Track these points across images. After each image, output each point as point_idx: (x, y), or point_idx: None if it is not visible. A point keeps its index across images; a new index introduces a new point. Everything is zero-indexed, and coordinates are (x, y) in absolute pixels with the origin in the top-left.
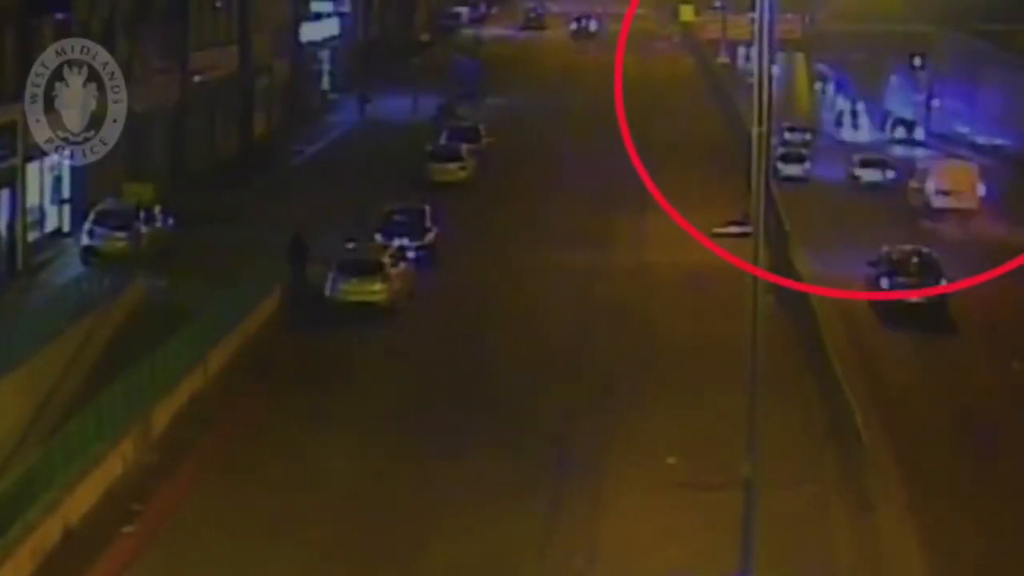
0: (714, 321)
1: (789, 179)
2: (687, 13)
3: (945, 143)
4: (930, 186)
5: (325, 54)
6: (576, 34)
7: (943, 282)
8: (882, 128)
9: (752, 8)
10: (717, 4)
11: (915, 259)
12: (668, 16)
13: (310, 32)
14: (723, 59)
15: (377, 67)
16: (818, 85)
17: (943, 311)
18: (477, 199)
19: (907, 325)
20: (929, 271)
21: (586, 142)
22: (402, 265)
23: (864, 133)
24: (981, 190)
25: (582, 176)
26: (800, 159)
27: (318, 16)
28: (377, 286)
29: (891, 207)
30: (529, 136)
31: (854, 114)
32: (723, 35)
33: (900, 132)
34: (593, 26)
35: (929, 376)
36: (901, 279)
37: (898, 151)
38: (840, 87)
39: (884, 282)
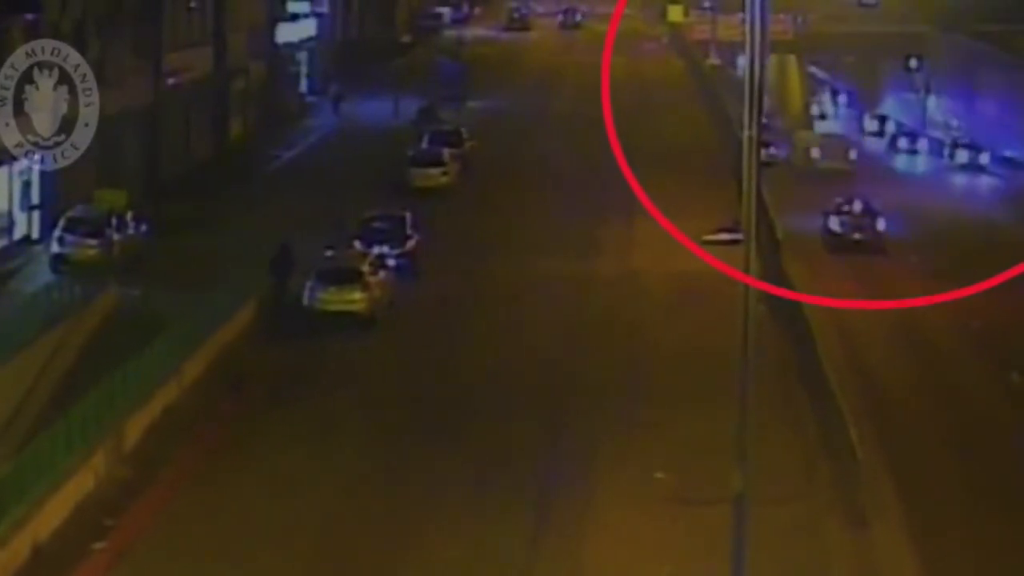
0: (704, 331)
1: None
2: (676, 13)
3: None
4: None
5: (303, 56)
6: (564, 25)
7: (879, 223)
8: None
9: (742, 8)
10: (706, 4)
11: (856, 204)
12: (656, 16)
13: (287, 33)
14: (713, 60)
15: (356, 69)
16: (820, 95)
17: (878, 244)
18: (459, 205)
19: (849, 252)
20: (867, 215)
21: (572, 146)
22: (382, 273)
23: (922, 160)
24: (853, 155)
25: (568, 181)
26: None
27: (295, 16)
28: (356, 295)
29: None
30: (513, 140)
31: (911, 137)
32: (713, 36)
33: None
34: (579, 17)
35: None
36: (846, 220)
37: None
38: (845, 97)
39: (834, 222)
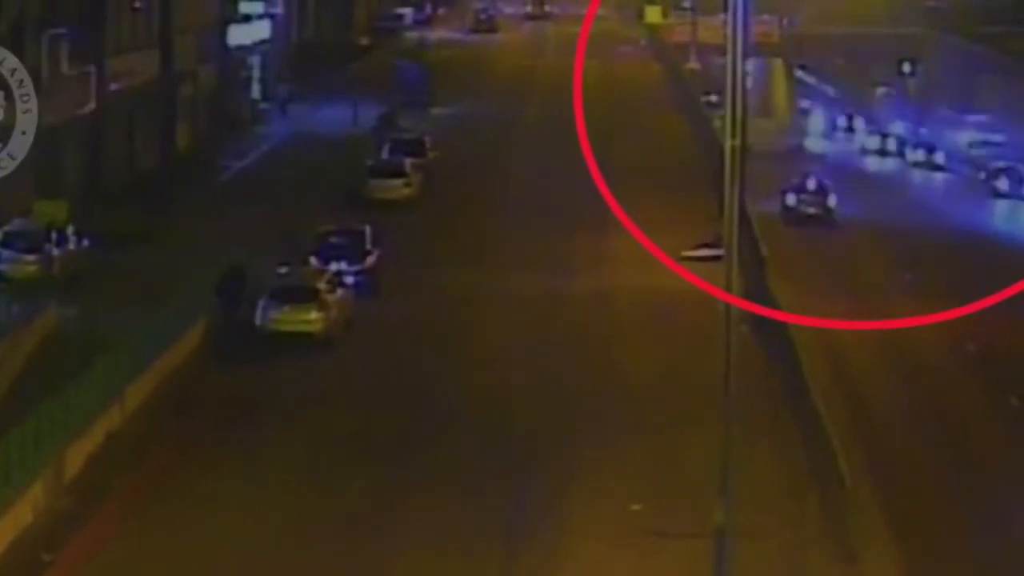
0: (683, 353)
1: None
2: (653, 14)
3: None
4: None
5: (255, 59)
6: (531, 16)
7: (830, 199)
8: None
9: (724, 9)
10: (686, 4)
11: (810, 182)
12: (633, 17)
13: (239, 35)
14: (693, 65)
15: (312, 73)
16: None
17: (829, 218)
18: (422, 219)
19: (804, 226)
20: (820, 192)
21: (543, 156)
22: (340, 292)
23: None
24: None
25: (538, 193)
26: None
27: (247, 18)
28: (312, 315)
29: None
30: (480, 149)
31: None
32: (693, 39)
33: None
34: (547, 8)
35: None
36: (803, 196)
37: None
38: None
39: (791, 198)
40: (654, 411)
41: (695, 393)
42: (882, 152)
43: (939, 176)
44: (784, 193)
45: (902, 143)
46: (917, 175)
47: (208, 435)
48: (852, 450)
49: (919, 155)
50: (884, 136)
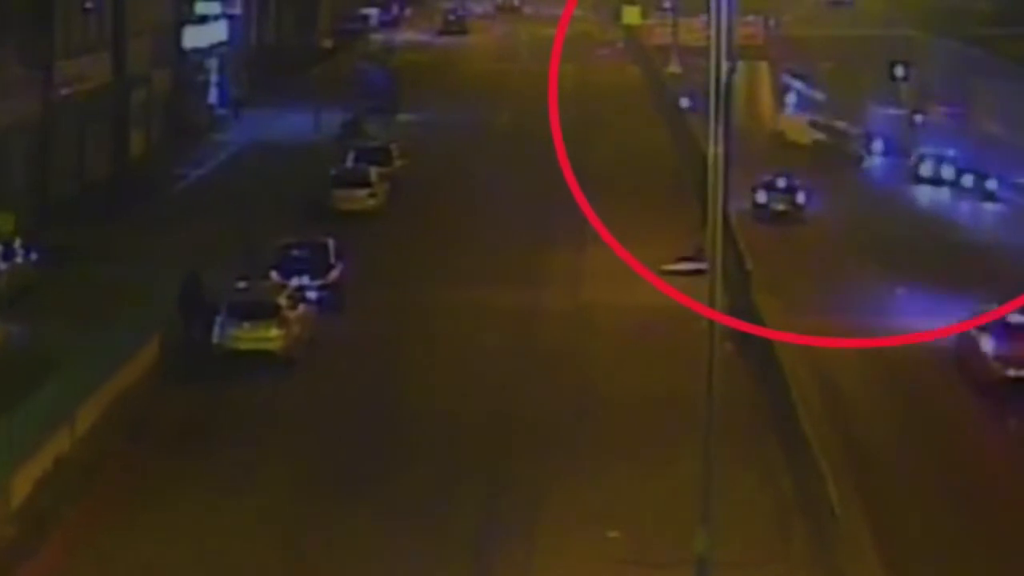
0: (664, 372)
1: None
2: (632, 15)
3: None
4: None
5: (212, 63)
6: (501, 8)
7: (799, 197)
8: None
9: (707, 10)
10: (667, 5)
11: (780, 180)
12: (610, 18)
13: (195, 37)
14: (674, 68)
15: (272, 77)
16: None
17: (798, 214)
18: (389, 231)
19: (775, 223)
20: (789, 189)
21: (516, 164)
22: (301, 308)
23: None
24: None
25: (512, 204)
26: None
27: (204, 19)
28: (272, 332)
29: None
30: (450, 158)
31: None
32: (674, 41)
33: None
34: (517, 2)
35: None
36: (772, 192)
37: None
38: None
39: (761, 195)
40: (632, 434)
41: (676, 415)
42: (935, 180)
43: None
44: (754, 190)
45: (959, 169)
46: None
47: (162, 460)
48: (841, 475)
49: (966, 181)
50: (939, 160)
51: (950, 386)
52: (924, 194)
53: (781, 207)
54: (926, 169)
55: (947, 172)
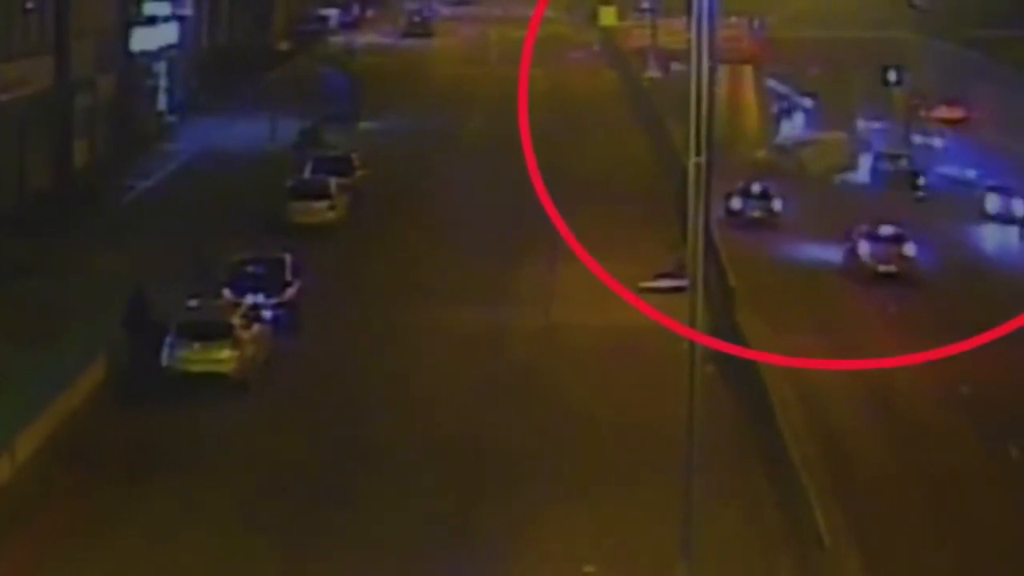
0: (642, 397)
1: None
2: (608, 16)
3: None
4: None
5: (161, 67)
6: (458, 1)
7: (774, 203)
8: None
9: (688, 11)
10: (645, 5)
11: (755, 186)
12: (585, 20)
13: (143, 39)
14: (652, 73)
15: (225, 82)
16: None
17: (773, 219)
18: (349, 246)
19: (749, 229)
20: (764, 195)
21: (485, 175)
22: (256, 327)
23: None
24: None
25: (479, 217)
26: None
27: (152, 20)
28: (225, 353)
29: None
30: (414, 168)
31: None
32: (652, 44)
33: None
34: None
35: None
36: (749, 200)
37: None
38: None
39: (736, 202)
40: (609, 462)
41: (655, 442)
42: (1007, 217)
43: None
44: (728, 197)
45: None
46: None
47: (108, 490)
48: (830, 506)
49: (995, 204)
50: (1008, 194)
51: (943, 405)
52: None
53: (757, 214)
54: (993, 204)
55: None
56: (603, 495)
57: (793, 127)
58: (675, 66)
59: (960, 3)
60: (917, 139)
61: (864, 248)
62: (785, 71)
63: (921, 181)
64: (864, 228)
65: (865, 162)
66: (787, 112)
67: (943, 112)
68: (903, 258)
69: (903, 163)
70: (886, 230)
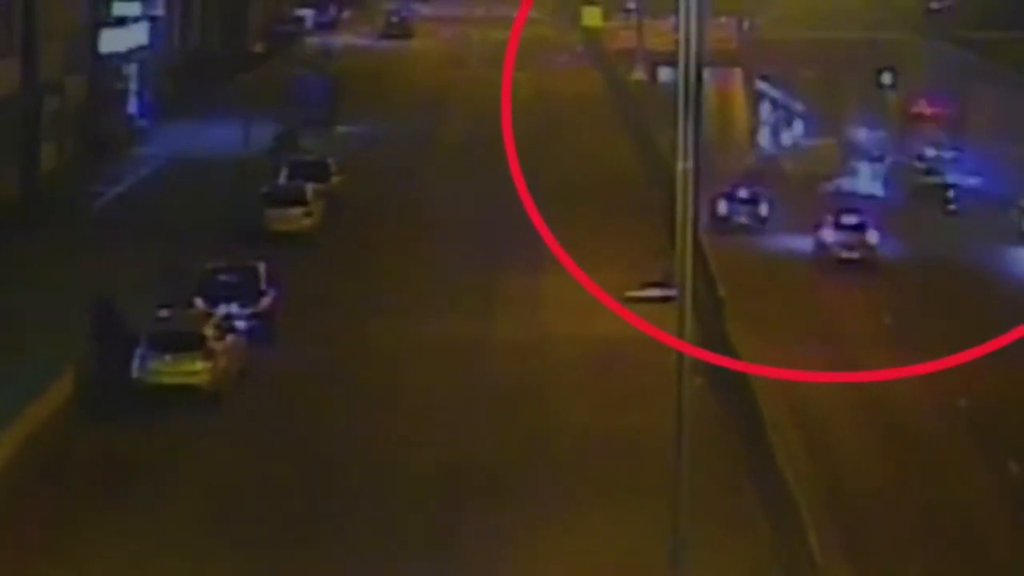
0: (629, 412)
1: None
2: (592, 17)
3: None
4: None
5: (132, 69)
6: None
7: (762, 208)
8: None
9: (674, 11)
10: (631, 6)
11: (742, 191)
12: (569, 21)
13: (113, 41)
14: (639, 75)
15: (199, 85)
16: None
17: (760, 227)
18: (326, 254)
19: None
20: (752, 201)
21: (466, 181)
22: (229, 338)
23: None
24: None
25: (460, 224)
26: None
27: (123, 21)
28: (197, 365)
29: None
30: (392, 174)
31: None
32: (638, 45)
33: None
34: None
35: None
36: (733, 203)
37: None
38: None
39: (723, 206)
40: (594, 482)
41: (642, 458)
42: None
43: None
44: (714, 201)
45: None
46: None
47: (77, 508)
48: (824, 524)
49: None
50: None
51: (942, 421)
52: None
53: (743, 219)
54: None
55: None
56: (589, 515)
57: (793, 136)
58: (663, 72)
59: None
60: (930, 151)
61: (829, 236)
62: (776, 73)
63: (952, 194)
64: (829, 217)
65: (864, 169)
66: (787, 121)
67: (922, 108)
68: (866, 245)
69: (931, 176)
70: (850, 218)
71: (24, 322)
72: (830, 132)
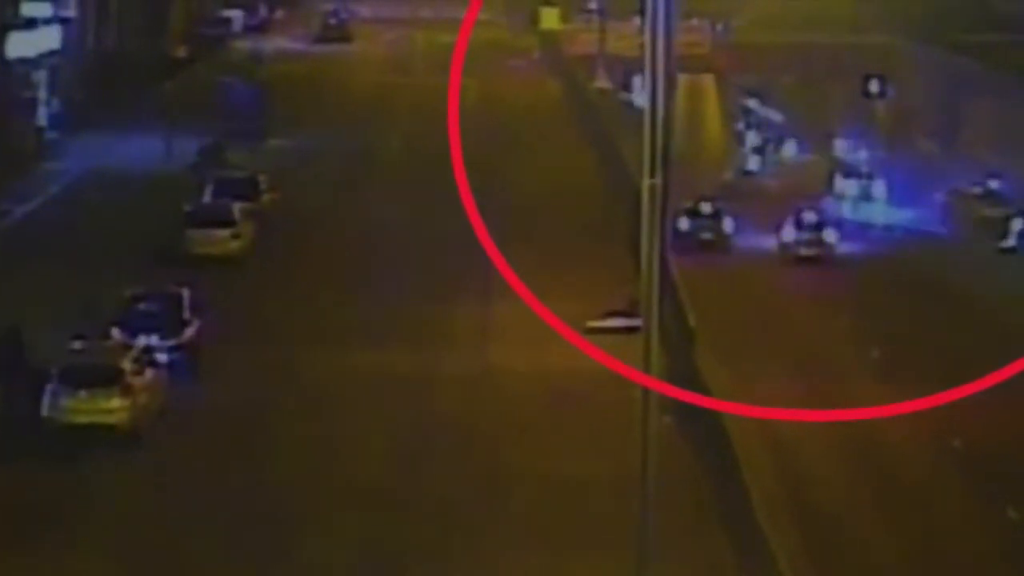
0: (588, 452)
1: None
2: (550, 19)
3: None
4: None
5: (41, 76)
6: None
7: (726, 225)
8: None
9: (641, 12)
10: (592, 6)
11: (705, 206)
12: (524, 23)
13: (20, 45)
14: (601, 83)
15: (114, 92)
16: None
17: (724, 244)
18: (256, 280)
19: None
20: (715, 217)
21: (409, 200)
22: (150, 372)
23: None
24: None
25: (403, 247)
26: None
27: (31, 23)
28: (114, 402)
29: None
30: (329, 191)
31: None
32: (600, 50)
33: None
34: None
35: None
36: (696, 220)
37: None
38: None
39: (684, 223)
40: (552, 529)
41: (604, 505)
42: None
43: None
44: (676, 217)
45: None
46: None
47: None
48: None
49: None
50: None
51: (931, 464)
52: None
53: (706, 235)
54: None
55: None
56: (542, 563)
57: (775, 150)
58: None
59: (952, 4)
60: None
61: (789, 234)
62: (754, 81)
63: (1018, 226)
64: (791, 217)
65: (851, 188)
66: (768, 136)
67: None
68: (823, 244)
69: (986, 207)
70: (809, 217)
71: None
72: (814, 146)
